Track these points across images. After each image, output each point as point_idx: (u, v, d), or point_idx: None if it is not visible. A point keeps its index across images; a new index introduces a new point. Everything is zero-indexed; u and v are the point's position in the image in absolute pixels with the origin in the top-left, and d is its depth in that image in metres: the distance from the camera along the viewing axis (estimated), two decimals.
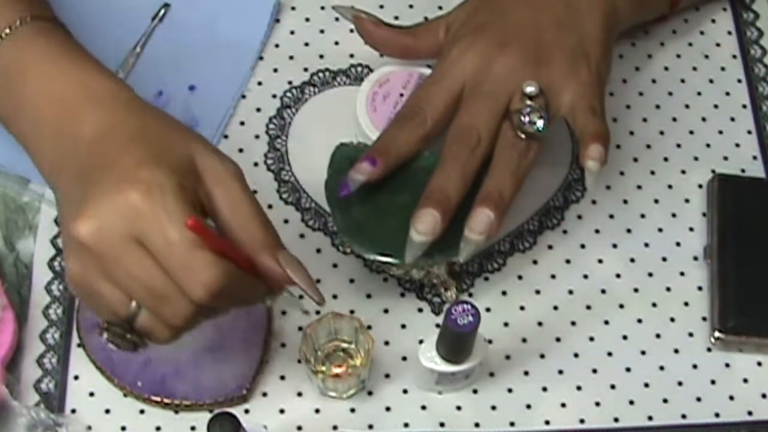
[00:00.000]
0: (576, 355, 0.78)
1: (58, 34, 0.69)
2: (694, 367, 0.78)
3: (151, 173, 0.59)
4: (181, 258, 0.59)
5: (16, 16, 0.68)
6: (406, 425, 0.75)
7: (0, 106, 0.68)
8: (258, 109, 0.84)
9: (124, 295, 0.60)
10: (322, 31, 0.87)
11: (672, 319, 0.80)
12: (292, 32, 0.87)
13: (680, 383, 0.78)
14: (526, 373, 0.77)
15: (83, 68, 0.66)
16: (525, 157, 0.71)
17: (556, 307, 0.79)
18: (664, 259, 0.81)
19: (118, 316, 0.61)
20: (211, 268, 0.59)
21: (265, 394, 0.75)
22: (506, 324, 0.78)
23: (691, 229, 0.82)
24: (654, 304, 0.80)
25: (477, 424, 0.75)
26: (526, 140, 0.71)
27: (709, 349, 0.79)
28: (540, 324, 0.79)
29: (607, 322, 0.79)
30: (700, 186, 0.84)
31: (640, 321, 0.79)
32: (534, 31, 0.74)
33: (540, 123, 0.71)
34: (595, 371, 0.78)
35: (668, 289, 0.80)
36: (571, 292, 0.80)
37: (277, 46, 0.86)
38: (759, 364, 0.79)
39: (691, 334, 0.79)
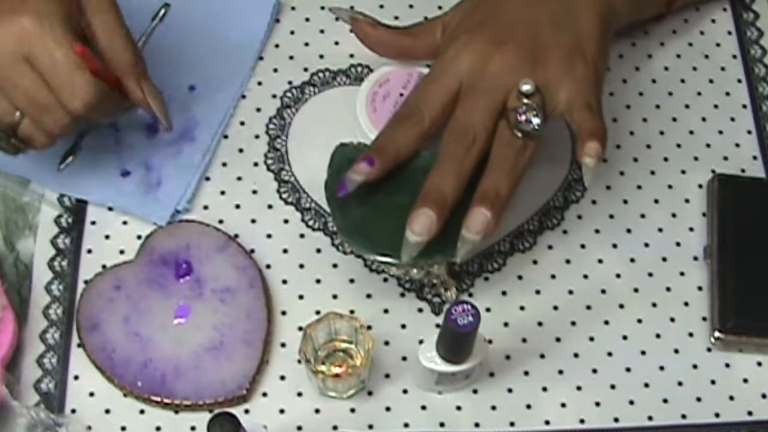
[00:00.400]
0: (576, 355, 0.78)
1: None
2: (694, 367, 0.78)
3: (40, 3, 0.69)
4: (64, 75, 0.69)
5: None
6: (406, 425, 0.75)
7: None
8: (258, 109, 0.84)
9: (10, 105, 0.71)
10: (322, 31, 0.87)
11: (672, 319, 0.80)
12: (292, 32, 0.87)
13: (680, 383, 0.78)
14: (526, 373, 0.77)
15: None
16: (522, 155, 0.71)
17: (556, 307, 0.79)
18: (664, 259, 0.81)
19: (3, 123, 0.71)
20: (89, 86, 0.70)
21: (265, 394, 0.75)
22: (506, 324, 0.78)
23: (691, 229, 0.82)
24: (654, 304, 0.80)
25: (477, 424, 0.75)
26: (523, 139, 0.71)
27: (709, 349, 0.79)
28: (540, 324, 0.79)
29: (607, 322, 0.79)
30: (700, 186, 0.84)
31: (640, 321, 0.79)
32: (530, 29, 0.74)
33: (536, 121, 0.71)
34: (595, 371, 0.78)
35: (668, 289, 0.80)
36: (571, 292, 0.80)
37: (277, 46, 0.86)
38: (759, 364, 0.79)
39: (691, 334, 0.79)
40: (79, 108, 0.70)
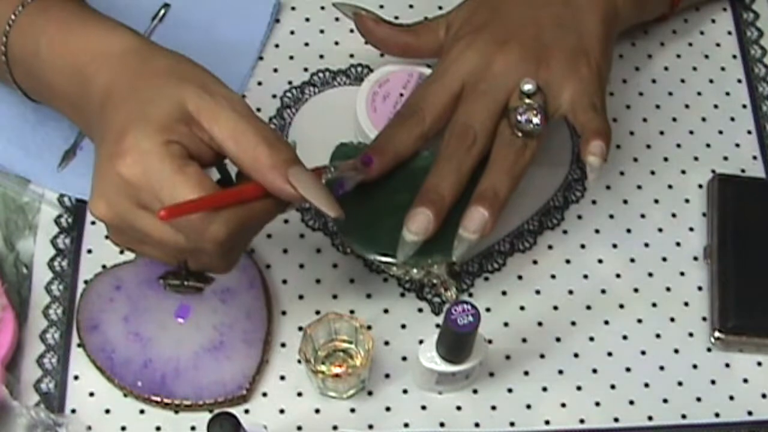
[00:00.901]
0: (576, 355, 0.78)
1: (59, 3, 0.68)
2: (694, 367, 0.78)
3: (134, 139, 0.60)
4: (180, 220, 0.59)
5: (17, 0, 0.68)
6: (406, 425, 0.75)
7: (32, 91, 0.70)
8: (258, 109, 0.84)
9: (161, 253, 0.63)
10: (322, 31, 0.87)
11: (672, 319, 0.80)
12: (292, 32, 0.87)
13: (680, 383, 0.78)
14: (526, 373, 0.77)
15: (87, 31, 0.66)
16: (522, 155, 0.71)
17: (556, 307, 0.79)
18: (664, 259, 0.81)
19: (173, 265, 0.64)
20: (209, 225, 0.60)
21: (265, 394, 0.75)
22: (506, 324, 0.78)
23: (691, 229, 0.82)
24: (654, 304, 0.80)
25: (477, 424, 0.75)
26: (523, 139, 0.71)
27: (709, 349, 0.79)
28: (540, 324, 0.79)
29: (607, 322, 0.79)
30: (700, 186, 0.84)
31: (640, 321, 0.79)
32: (533, 30, 0.74)
33: (536, 120, 0.71)
34: (595, 371, 0.78)
35: (668, 289, 0.80)
36: (571, 292, 0.80)
37: (277, 46, 0.86)
38: (759, 364, 0.79)
39: (691, 334, 0.79)
40: (217, 248, 0.61)
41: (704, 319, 0.80)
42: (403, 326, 0.78)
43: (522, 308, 0.79)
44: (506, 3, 0.76)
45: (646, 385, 0.77)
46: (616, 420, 0.76)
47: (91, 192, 0.62)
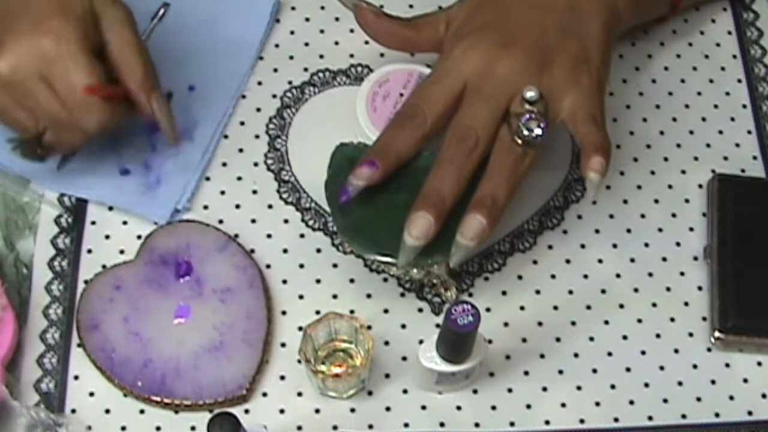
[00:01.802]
0: (576, 355, 0.78)
1: None
2: (694, 367, 0.78)
3: (60, 23, 0.71)
4: (79, 101, 0.71)
5: None
6: (406, 425, 0.75)
7: None
8: (258, 109, 0.84)
9: (32, 118, 0.73)
10: (322, 31, 0.87)
11: (672, 319, 0.80)
12: (292, 32, 0.87)
13: (680, 383, 0.78)
14: (526, 373, 0.77)
15: None
16: (521, 162, 0.71)
17: (556, 307, 0.79)
18: (664, 259, 0.81)
19: (28, 134, 0.73)
20: (103, 112, 0.72)
21: (265, 394, 0.75)
22: (506, 324, 0.78)
23: (691, 229, 0.83)
24: (654, 304, 0.80)
25: (477, 424, 0.75)
26: (523, 146, 0.71)
27: (709, 349, 0.79)
28: (540, 324, 0.79)
29: (607, 322, 0.79)
30: (700, 186, 0.84)
31: (640, 321, 0.79)
32: (537, 34, 0.74)
33: (537, 131, 0.71)
34: (595, 371, 0.78)
35: (668, 289, 0.80)
36: (571, 292, 0.80)
37: (277, 46, 0.86)
38: (759, 364, 0.79)
39: (691, 334, 0.79)
40: (94, 130, 0.73)
41: (704, 319, 0.80)
42: (403, 326, 0.78)
43: (522, 308, 0.79)
44: (510, 4, 0.76)
45: (646, 385, 0.77)
46: (616, 420, 0.76)
47: (1, 47, 0.70)
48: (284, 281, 0.78)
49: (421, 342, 0.73)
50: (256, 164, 0.82)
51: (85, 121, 0.73)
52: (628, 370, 0.78)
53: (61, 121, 0.72)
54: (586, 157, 0.71)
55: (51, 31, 0.71)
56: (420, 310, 0.79)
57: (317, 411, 0.75)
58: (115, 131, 0.78)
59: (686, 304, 0.80)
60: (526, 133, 0.71)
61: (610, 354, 0.78)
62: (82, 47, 0.71)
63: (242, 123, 0.83)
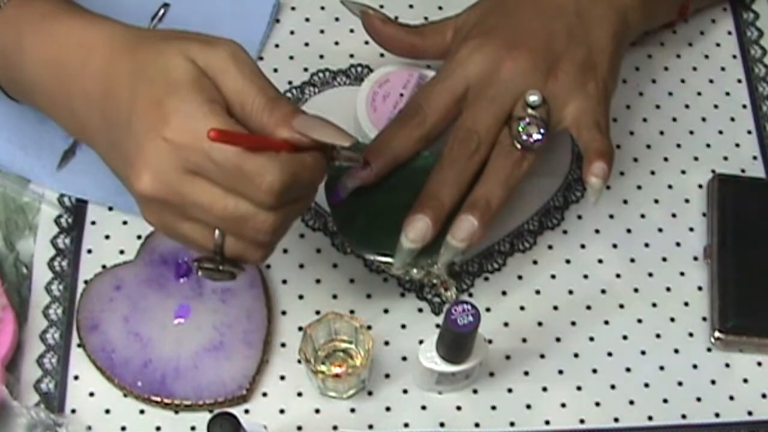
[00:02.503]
0: (576, 355, 0.78)
1: None
2: (694, 367, 0.78)
3: (176, 102, 0.59)
4: (232, 170, 0.58)
5: None
6: (406, 425, 0.75)
7: (13, 85, 0.69)
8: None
9: (204, 228, 0.61)
10: (322, 31, 0.87)
11: (672, 319, 0.80)
12: (292, 32, 0.87)
13: (680, 383, 0.78)
14: (526, 373, 0.77)
15: (70, 22, 0.65)
16: (518, 167, 0.71)
17: (556, 307, 0.79)
18: (664, 259, 0.81)
19: (208, 250, 0.62)
20: (265, 168, 0.59)
21: (265, 394, 0.75)
22: (506, 324, 0.78)
23: (691, 229, 0.83)
24: (654, 304, 0.80)
25: (477, 424, 0.75)
26: (522, 150, 0.71)
27: (709, 349, 0.79)
28: (540, 324, 0.79)
29: (607, 322, 0.79)
30: (700, 186, 0.84)
31: (640, 321, 0.79)
32: (544, 38, 0.74)
33: (536, 137, 0.71)
34: (595, 371, 0.78)
35: (668, 289, 0.80)
36: (571, 292, 0.80)
37: (277, 46, 0.86)
38: (759, 364, 0.79)
39: (691, 334, 0.79)
40: (271, 199, 0.59)
41: (704, 319, 0.80)
42: (403, 326, 0.78)
43: (522, 308, 0.79)
44: (518, 9, 0.75)
45: (646, 385, 0.77)
46: (616, 420, 0.76)
47: (131, 169, 0.60)
48: (284, 281, 0.78)
49: (421, 342, 0.73)
50: None
51: (255, 189, 0.59)
52: (628, 370, 0.78)
53: (231, 212, 0.60)
54: (588, 162, 0.71)
55: (163, 120, 0.59)
56: (420, 310, 0.79)
57: (317, 411, 0.75)
58: (303, 209, 0.65)
59: (686, 304, 0.80)
60: (524, 138, 0.71)
61: (610, 354, 0.78)
62: (203, 113, 0.59)
63: None
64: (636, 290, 0.80)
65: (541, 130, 0.71)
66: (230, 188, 0.59)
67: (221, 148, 0.58)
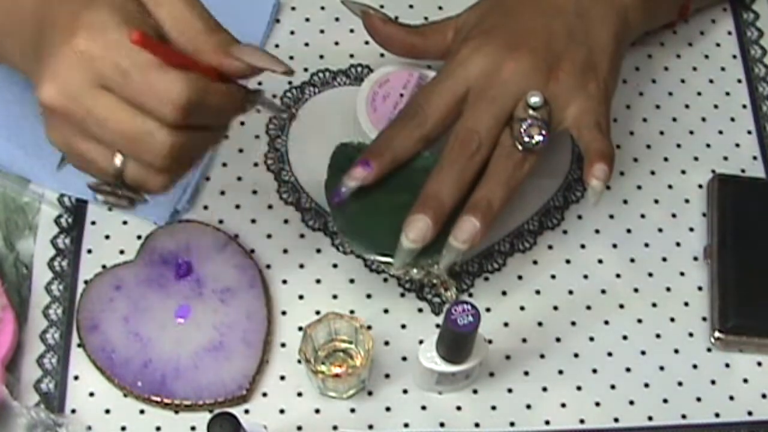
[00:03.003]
0: (576, 355, 0.78)
1: None
2: (694, 367, 0.78)
3: (91, 15, 0.58)
4: (140, 82, 0.57)
5: None
6: (406, 425, 0.75)
7: None
8: (258, 110, 0.84)
9: (105, 149, 0.60)
10: (322, 31, 0.87)
11: (672, 319, 0.80)
12: (292, 32, 0.87)
13: (680, 383, 0.78)
14: (526, 373, 0.77)
15: None
16: (520, 168, 0.71)
17: (556, 307, 0.79)
18: (664, 259, 0.81)
19: (108, 173, 0.61)
20: (174, 83, 0.58)
21: (265, 394, 0.75)
22: (506, 324, 0.78)
23: (691, 229, 0.83)
24: (654, 304, 0.80)
25: (477, 424, 0.75)
26: (523, 152, 0.71)
27: (709, 349, 0.79)
28: (540, 324, 0.79)
29: (607, 322, 0.79)
30: (700, 186, 0.84)
31: (640, 321, 0.79)
32: (545, 38, 0.73)
33: (538, 138, 0.71)
34: (595, 371, 0.78)
35: (668, 289, 0.80)
36: (571, 292, 0.80)
37: (277, 46, 0.86)
38: (759, 364, 0.79)
39: (691, 334, 0.79)
40: (175, 114, 0.58)
41: (704, 319, 0.80)
42: (403, 326, 0.78)
43: (522, 308, 0.79)
44: (518, 8, 0.75)
45: (646, 385, 0.77)
46: (616, 420, 0.76)
47: (39, 79, 0.59)
48: (284, 281, 0.78)
49: (421, 342, 0.73)
50: (256, 164, 0.82)
51: (159, 103, 0.57)
52: (628, 370, 0.78)
53: (133, 129, 0.58)
54: (589, 164, 0.71)
55: (81, 27, 0.58)
56: (420, 310, 0.79)
57: (317, 411, 0.75)
58: (206, 142, 0.63)
59: (686, 304, 0.80)
60: (526, 139, 0.71)
61: (610, 354, 0.78)
62: (122, 28, 0.58)
63: (242, 123, 0.83)
64: (636, 290, 0.80)
65: (543, 132, 0.71)
66: (134, 102, 0.58)
67: (132, 56, 0.57)
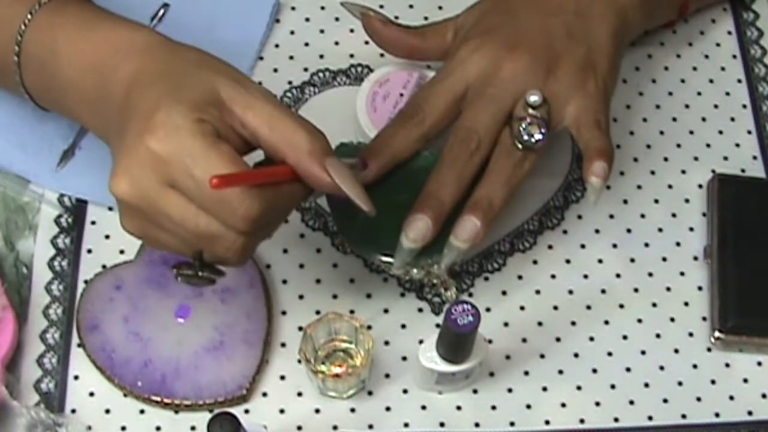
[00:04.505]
0: (576, 355, 0.78)
1: (76, 3, 0.68)
2: (694, 367, 0.78)
3: (166, 115, 0.59)
4: (214, 195, 0.58)
5: (33, 0, 0.68)
6: (406, 425, 0.75)
7: (44, 92, 0.69)
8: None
9: (180, 238, 0.61)
10: (322, 31, 0.87)
11: (672, 319, 0.80)
12: (292, 32, 0.87)
13: (680, 383, 0.78)
14: (526, 373, 0.77)
15: (108, 28, 0.66)
16: (520, 167, 0.71)
17: (556, 307, 0.79)
18: (664, 259, 0.81)
19: (186, 255, 0.62)
20: (245, 200, 0.59)
21: (265, 394, 0.75)
22: (506, 324, 0.78)
23: (691, 229, 0.83)
24: (654, 304, 0.80)
25: (477, 424, 0.75)
26: (523, 150, 0.71)
27: (709, 349, 0.79)
28: (540, 324, 0.79)
29: (607, 322, 0.79)
30: (700, 186, 0.84)
31: (640, 321, 0.79)
32: (544, 37, 0.73)
33: (538, 137, 0.71)
34: (595, 371, 0.78)
35: (668, 289, 0.80)
36: (571, 292, 0.80)
37: (277, 46, 0.86)
38: (759, 364, 0.79)
39: (691, 334, 0.79)
40: (246, 227, 0.60)
41: (704, 319, 0.80)
42: (403, 326, 0.78)
43: (522, 308, 0.79)
44: (517, 8, 0.75)
45: (646, 385, 0.77)
46: (616, 420, 0.76)
47: (113, 170, 0.60)
48: (284, 281, 0.78)
49: (421, 342, 0.73)
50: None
51: (231, 219, 0.59)
52: (628, 370, 0.78)
53: (204, 231, 0.60)
54: (588, 161, 0.71)
55: (156, 127, 0.59)
56: (420, 310, 0.79)
57: (317, 411, 0.75)
58: (275, 227, 0.66)
59: (686, 304, 0.80)
60: (526, 137, 0.71)
61: (610, 354, 0.78)
62: (197, 134, 0.59)
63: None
64: (636, 290, 0.80)
65: (542, 130, 0.71)
66: (204, 206, 0.59)
67: (206, 166, 0.58)
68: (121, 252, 0.78)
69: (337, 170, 0.62)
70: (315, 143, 0.61)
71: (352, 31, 0.86)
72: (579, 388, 0.77)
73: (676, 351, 0.79)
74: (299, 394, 0.75)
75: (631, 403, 0.77)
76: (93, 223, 0.79)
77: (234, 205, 0.59)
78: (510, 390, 0.77)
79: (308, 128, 0.62)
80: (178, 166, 0.59)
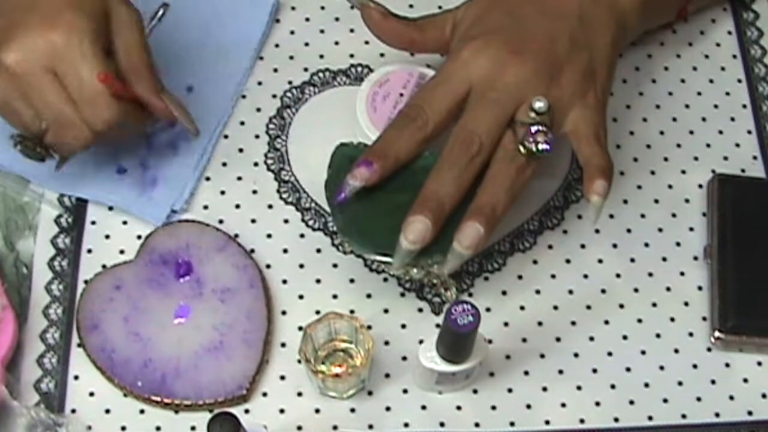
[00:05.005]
0: (576, 355, 0.78)
1: None
2: (694, 367, 0.78)
3: (72, 17, 0.70)
4: (88, 95, 0.71)
5: None
6: (406, 425, 0.75)
7: None
8: (258, 109, 0.84)
9: (36, 115, 0.71)
10: (322, 31, 0.87)
11: (672, 319, 0.80)
12: (292, 32, 0.87)
13: (680, 383, 0.78)
14: (526, 373, 0.77)
15: None
16: (522, 173, 0.71)
17: (556, 307, 0.79)
18: (664, 259, 0.81)
19: (29, 131, 0.73)
20: (112, 107, 0.71)
21: (265, 394, 0.75)
22: (506, 324, 0.78)
23: (691, 229, 0.83)
24: (654, 304, 0.80)
25: (477, 424, 0.75)
26: (527, 156, 0.71)
27: (709, 349, 0.79)
28: (540, 324, 0.79)
29: (607, 322, 0.79)
30: (700, 186, 0.84)
31: (640, 321, 0.79)
32: (548, 42, 0.73)
33: (544, 146, 0.70)
34: (595, 371, 0.78)
35: (668, 289, 0.80)
36: (571, 292, 0.80)
37: (277, 46, 0.86)
38: (759, 364, 0.79)
39: (691, 334, 0.79)
40: (101, 127, 0.72)
41: (704, 319, 0.80)
42: (403, 326, 0.78)
43: (522, 308, 0.79)
44: (520, 9, 0.75)
45: (646, 385, 0.77)
46: (616, 420, 0.76)
47: (9, 35, 0.70)
48: (284, 281, 0.78)
49: (421, 342, 0.73)
50: (256, 164, 0.82)
51: (93, 117, 0.71)
52: (628, 370, 0.78)
53: (65, 117, 0.71)
54: (589, 180, 0.71)
55: (62, 25, 0.70)
56: (420, 310, 0.79)
57: (317, 411, 0.75)
58: (114, 138, 0.77)
59: (686, 304, 0.80)
60: (531, 145, 0.70)
61: (610, 354, 0.78)
62: (93, 41, 0.70)
63: (242, 123, 0.83)
64: (636, 290, 0.80)
65: (549, 139, 0.70)
66: (75, 99, 0.71)
67: (91, 73, 0.70)
68: (121, 252, 0.78)
69: (172, 101, 0.76)
70: (155, 79, 0.75)
71: (352, 31, 0.86)
72: (579, 388, 0.77)
73: (676, 351, 0.79)
74: (299, 394, 0.75)
75: (631, 403, 0.77)
76: (93, 223, 0.79)
77: (101, 107, 0.71)
78: (510, 390, 0.77)
79: (151, 65, 0.75)
80: (71, 62, 0.70)
